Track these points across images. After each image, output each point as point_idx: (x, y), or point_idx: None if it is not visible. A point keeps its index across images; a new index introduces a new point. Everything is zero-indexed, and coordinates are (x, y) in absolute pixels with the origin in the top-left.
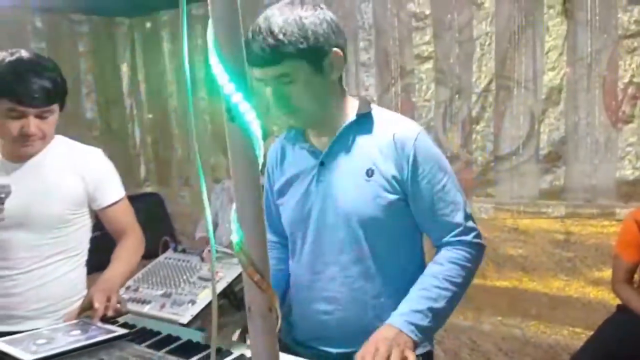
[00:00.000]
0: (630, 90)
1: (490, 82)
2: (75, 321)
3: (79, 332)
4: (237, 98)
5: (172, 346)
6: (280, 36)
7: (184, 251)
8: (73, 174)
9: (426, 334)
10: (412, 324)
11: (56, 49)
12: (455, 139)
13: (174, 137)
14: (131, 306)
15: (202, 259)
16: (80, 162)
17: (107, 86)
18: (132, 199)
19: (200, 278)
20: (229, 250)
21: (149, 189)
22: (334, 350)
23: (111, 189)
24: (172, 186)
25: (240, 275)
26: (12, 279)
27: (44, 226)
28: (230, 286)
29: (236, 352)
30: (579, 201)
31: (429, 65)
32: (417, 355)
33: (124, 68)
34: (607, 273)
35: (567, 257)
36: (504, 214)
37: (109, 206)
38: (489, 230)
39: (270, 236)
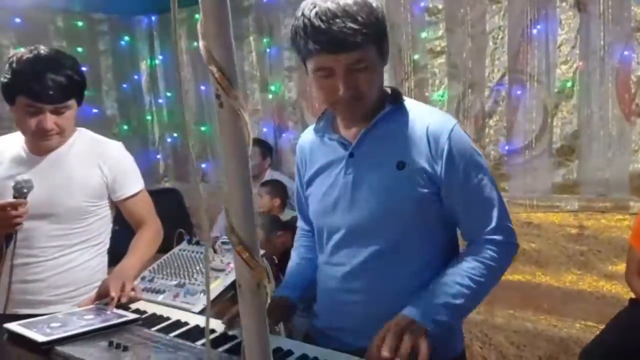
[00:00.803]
0: None
1: (503, 76)
2: (90, 306)
3: (92, 316)
4: (225, 83)
5: (180, 330)
6: (360, 19)
7: (197, 243)
8: (93, 167)
9: (441, 327)
10: (427, 315)
11: (77, 48)
12: (469, 134)
13: (191, 134)
14: (146, 296)
15: (215, 251)
16: (101, 155)
17: (127, 84)
18: (151, 194)
19: (213, 269)
20: None
21: (167, 185)
22: (356, 343)
23: (130, 181)
24: (190, 181)
25: None
26: (37, 266)
27: (67, 217)
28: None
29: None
30: (592, 195)
31: (441, 59)
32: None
33: (143, 66)
34: (621, 267)
35: (580, 251)
36: (517, 208)
37: (129, 198)
38: None
39: (301, 224)
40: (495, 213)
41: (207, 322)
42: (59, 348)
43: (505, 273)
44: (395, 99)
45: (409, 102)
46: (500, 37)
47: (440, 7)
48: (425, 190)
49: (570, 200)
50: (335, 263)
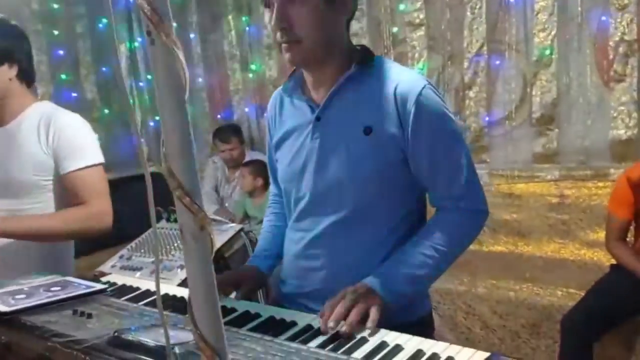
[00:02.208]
0: (621, 49)
1: (481, 47)
2: (58, 279)
3: (58, 288)
4: (156, 18)
5: (149, 299)
6: None
7: (175, 221)
8: (41, 140)
9: (401, 298)
10: (386, 285)
11: (53, 30)
12: (449, 106)
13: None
14: (123, 273)
15: None
16: (48, 125)
17: (106, 67)
18: (134, 178)
19: None
20: (218, 217)
21: (151, 169)
22: (318, 307)
23: (76, 154)
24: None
25: (229, 240)
26: None
27: (20, 192)
28: (219, 251)
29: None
30: (572, 164)
31: (420, 32)
32: (410, 324)
33: (122, 48)
34: (602, 234)
35: (562, 220)
36: (498, 179)
37: (70, 172)
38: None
39: (273, 189)
40: (463, 179)
41: (158, 282)
42: (23, 317)
43: (488, 244)
44: (363, 58)
45: (379, 61)
46: (478, 7)
47: None
48: (393, 156)
49: (550, 169)
50: (300, 228)
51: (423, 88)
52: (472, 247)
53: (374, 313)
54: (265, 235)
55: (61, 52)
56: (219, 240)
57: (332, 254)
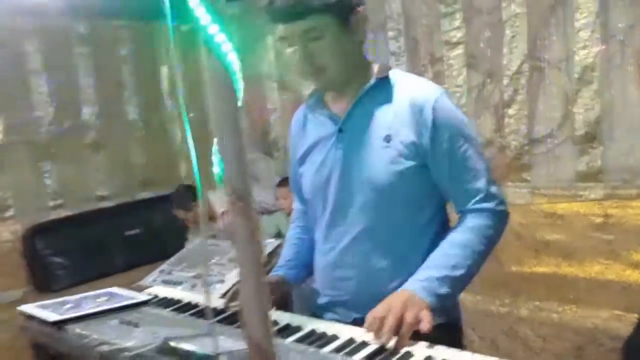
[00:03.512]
0: None
1: (521, 64)
2: (103, 290)
3: (105, 298)
4: (214, 29)
5: (192, 311)
6: None
7: (214, 237)
8: None
9: (442, 300)
10: (427, 289)
11: (99, 54)
12: (489, 124)
13: (211, 135)
14: (163, 288)
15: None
16: None
17: (148, 88)
18: (170, 195)
19: (231, 260)
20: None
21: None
22: (352, 315)
23: None
24: (211, 184)
25: (268, 255)
26: None
27: None
28: None
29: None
30: (617, 182)
31: (459, 50)
32: (440, 325)
33: (164, 70)
34: None
35: (606, 240)
36: (540, 198)
37: None
38: (526, 216)
39: (297, 204)
40: (483, 181)
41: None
42: (71, 327)
43: (530, 265)
44: (381, 72)
45: (396, 74)
46: (517, 24)
47: None
48: (413, 163)
49: (594, 188)
50: (330, 239)
51: (439, 96)
52: (513, 267)
53: (427, 316)
54: (290, 246)
55: (105, 74)
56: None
57: (362, 262)
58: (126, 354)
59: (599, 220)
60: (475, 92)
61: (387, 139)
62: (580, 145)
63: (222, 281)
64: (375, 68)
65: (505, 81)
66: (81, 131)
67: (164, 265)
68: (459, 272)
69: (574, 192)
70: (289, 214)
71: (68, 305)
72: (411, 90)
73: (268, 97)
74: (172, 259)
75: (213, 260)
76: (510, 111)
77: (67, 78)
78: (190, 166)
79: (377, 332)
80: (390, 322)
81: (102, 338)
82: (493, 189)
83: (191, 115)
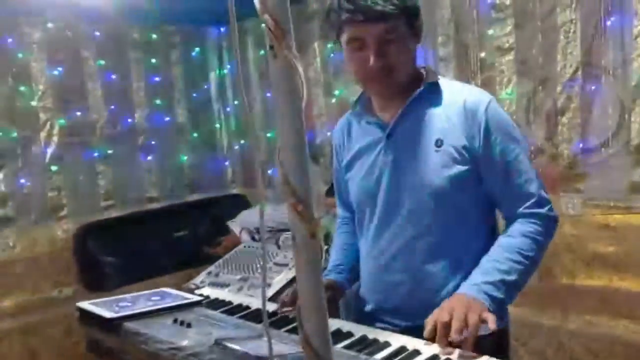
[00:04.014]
0: None
1: (575, 72)
2: (156, 290)
3: (158, 298)
4: (279, 33)
5: (242, 313)
6: None
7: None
8: None
9: (499, 305)
10: (485, 292)
11: (151, 59)
12: (540, 132)
13: (259, 140)
14: (211, 289)
15: (279, 247)
16: None
17: (197, 92)
18: (220, 199)
19: (276, 264)
20: None
21: (235, 191)
22: (402, 323)
23: None
24: (257, 187)
25: None
26: None
27: None
28: None
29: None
30: None
31: (510, 57)
32: (489, 334)
33: (212, 75)
34: None
35: None
36: (593, 209)
37: None
38: (578, 227)
39: (341, 212)
40: (534, 186)
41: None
42: (127, 324)
43: (581, 278)
44: (430, 78)
45: (444, 80)
46: (572, 30)
47: (507, 2)
48: (465, 167)
49: None
50: (379, 244)
51: (490, 101)
52: (564, 280)
53: (490, 317)
54: (338, 250)
55: (157, 78)
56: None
57: (413, 267)
58: (181, 353)
59: None
60: (526, 100)
61: (438, 143)
62: (635, 155)
63: (268, 284)
64: (422, 72)
65: (558, 89)
66: (133, 134)
67: (212, 268)
68: (512, 277)
69: (629, 204)
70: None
71: (123, 303)
72: (462, 94)
73: (314, 102)
74: (219, 261)
75: (259, 264)
76: (564, 119)
77: (121, 82)
78: (236, 169)
79: (442, 338)
80: (456, 325)
81: (157, 336)
82: (543, 193)
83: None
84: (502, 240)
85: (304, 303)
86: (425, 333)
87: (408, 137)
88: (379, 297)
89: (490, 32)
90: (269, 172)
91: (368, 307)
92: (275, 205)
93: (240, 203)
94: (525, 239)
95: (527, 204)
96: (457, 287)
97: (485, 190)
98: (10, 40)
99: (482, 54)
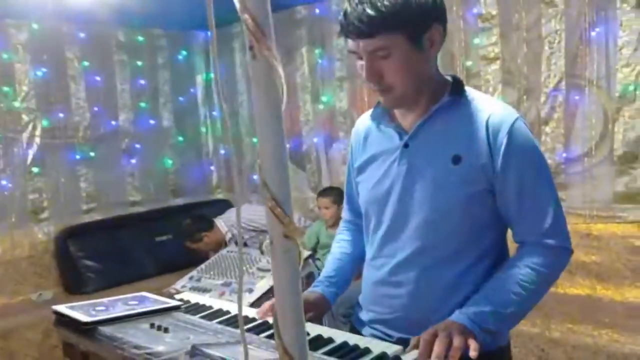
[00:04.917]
0: None
1: (560, 82)
2: (135, 294)
3: (135, 302)
4: (259, 34)
5: (222, 318)
6: (381, 6)
7: (245, 245)
8: None
9: (490, 335)
10: (476, 322)
11: (137, 61)
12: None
13: (244, 145)
14: (192, 295)
15: (262, 252)
16: None
17: (183, 96)
18: (204, 204)
19: (259, 269)
20: None
21: (220, 196)
22: (395, 334)
23: None
24: (242, 193)
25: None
26: None
27: None
28: None
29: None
30: None
31: (495, 66)
32: (488, 352)
33: (199, 79)
34: None
35: None
36: (575, 218)
37: None
38: None
39: (347, 214)
40: (550, 215)
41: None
42: (102, 328)
43: (564, 286)
44: (455, 89)
45: (471, 92)
46: (557, 41)
47: (494, 12)
48: (480, 187)
49: (633, 210)
50: (382, 254)
51: (516, 120)
52: None
53: (473, 343)
54: (334, 261)
55: (142, 81)
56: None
57: (415, 282)
58: (156, 358)
59: (638, 242)
60: None
61: (456, 159)
62: (619, 165)
63: (250, 290)
64: (448, 80)
65: (543, 98)
66: (116, 137)
67: (194, 272)
68: (509, 310)
69: (612, 214)
70: (331, 225)
71: (100, 307)
72: (487, 111)
73: (301, 109)
74: (201, 266)
75: (243, 268)
76: (547, 129)
77: (105, 84)
78: (220, 174)
79: (424, 354)
80: (439, 344)
81: (133, 341)
82: (560, 225)
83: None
84: (507, 268)
85: (281, 311)
86: (407, 349)
87: (425, 149)
88: (376, 307)
89: (476, 41)
90: (254, 177)
91: (364, 315)
92: (260, 206)
93: (224, 208)
94: (529, 270)
95: (540, 233)
96: (455, 306)
97: (499, 212)
98: None
99: (468, 63)
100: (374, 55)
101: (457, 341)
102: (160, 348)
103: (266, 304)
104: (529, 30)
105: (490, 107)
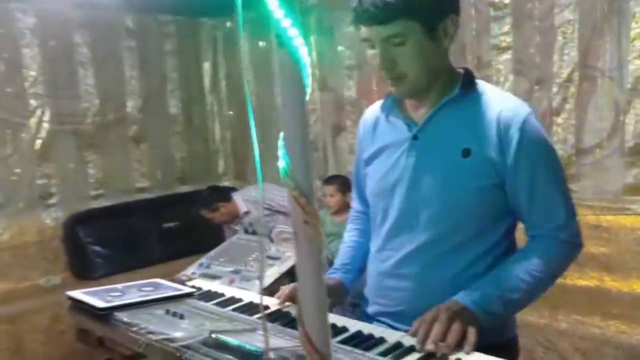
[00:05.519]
0: None
1: (572, 72)
2: (148, 280)
3: (150, 288)
4: (286, 23)
5: (235, 305)
6: None
7: (254, 232)
8: None
9: (493, 319)
10: (479, 304)
11: (144, 48)
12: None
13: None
14: (202, 281)
15: (271, 240)
16: None
17: (191, 84)
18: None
19: (269, 257)
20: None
21: (226, 183)
22: (402, 327)
23: None
24: (249, 180)
25: None
26: None
27: None
28: (293, 267)
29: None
30: None
31: (507, 55)
32: (494, 345)
33: (206, 66)
34: None
35: None
36: (585, 210)
37: None
38: None
39: (357, 205)
40: (562, 210)
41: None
42: (118, 314)
43: (572, 277)
44: (466, 82)
45: (482, 86)
46: (570, 31)
47: (506, 1)
48: (490, 181)
49: None
50: (389, 247)
51: (528, 115)
52: None
53: (472, 335)
54: (347, 249)
55: (150, 68)
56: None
57: (420, 275)
58: (173, 344)
59: None
60: (522, 99)
61: (466, 153)
62: (629, 157)
63: (259, 277)
64: (460, 73)
65: (554, 89)
66: (124, 123)
67: (203, 259)
68: (515, 296)
69: (621, 205)
70: (335, 212)
71: (115, 293)
72: (498, 105)
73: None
74: (211, 253)
75: (251, 257)
76: (559, 120)
77: (113, 71)
78: (227, 162)
79: (421, 340)
80: (436, 332)
81: (149, 327)
82: (570, 219)
83: (230, 113)
84: (516, 257)
85: (304, 299)
86: (410, 332)
87: (435, 142)
88: (382, 300)
89: (488, 30)
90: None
91: (369, 308)
92: (278, 187)
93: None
94: (538, 260)
95: (551, 228)
96: None
97: (509, 206)
98: (2, 26)
99: (479, 53)
100: (388, 43)
101: (455, 329)
102: (177, 334)
103: (285, 289)
104: (542, 19)
105: (502, 102)
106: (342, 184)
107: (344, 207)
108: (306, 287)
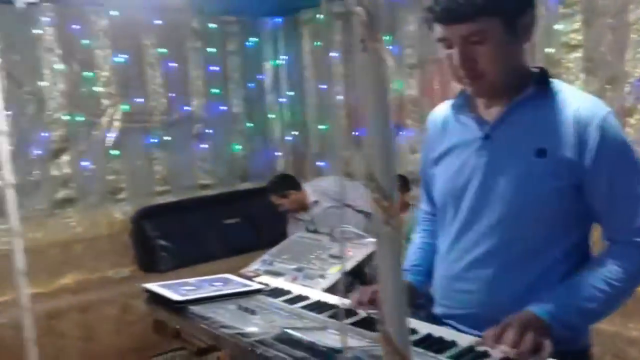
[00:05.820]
0: None
1: None
2: (219, 276)
3: (221, 283)
4: (371, 28)
5: (303, 303)
6: None
7: (315, 231)
8: None
9: (569, 330)
10: (555, 315)
11: (209, 48)
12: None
13: (311, 132)
14: (266, 277)
15: (333, 239)
16: None
17: (252, 83)
18: None
19: (331, 255)
20: (359, 231)
21: None
22: (470, 331)
23: None
24: (307, 178)
25: (370, 255)
26: None
27: None
28: (359, 265)
29: None
30: None
31: (577, 54)
32: (567, 352)
33: (267, 66)
34: None
35: None
36: None
37: None
38: None
39: (425, 206)
40: None
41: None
42: (192, 307)
43: None
44: (541, 81)
45: (557, 84)
46: None
47: None
48: (565, 182)
49: None
50: (458, 248)
51: (607, 114)
52: None
53: (547, 347)
54: (417, 251)
55: (214, 68)
56: (359, 255)
57: (491, 279)
58: (247, 338)
59: None
60: None
61: (541, 153)
62: None
63: (323, 276)
64: (534, 71)
65: (627, 88)
66: (190, 122)
67: (266, 256)
68: (591, 305)
69: None
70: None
71: (188, 287)
72: (576, 104)
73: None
74: (273, 250)
75: (314, 255)
76: (631, 120)
77: (179, 71)
78: (287, 160)
79: (493, 345)
80: (509, 338)
81: (222, 321)
82: None
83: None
84: (593, 264)
85: (385, 300)
86: (478, 342)
87: (508, 142)
88: (449, 302)
89: (558, 27)
90: (322, 164)
91: (436, 310)
92: (350, 182)
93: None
94: (617, 268)
95: (631, 231)
96: None
97: (586, 208)
98: (76, 27)
99: (549, 50)
100: (468, 41)
101: (528, 339)
102: (250, 329)
103: (360, 296)
104: (615, 16)
105: (578, 100)
106: (402, 183)
107: (404, 207)
108: (387, 287)
